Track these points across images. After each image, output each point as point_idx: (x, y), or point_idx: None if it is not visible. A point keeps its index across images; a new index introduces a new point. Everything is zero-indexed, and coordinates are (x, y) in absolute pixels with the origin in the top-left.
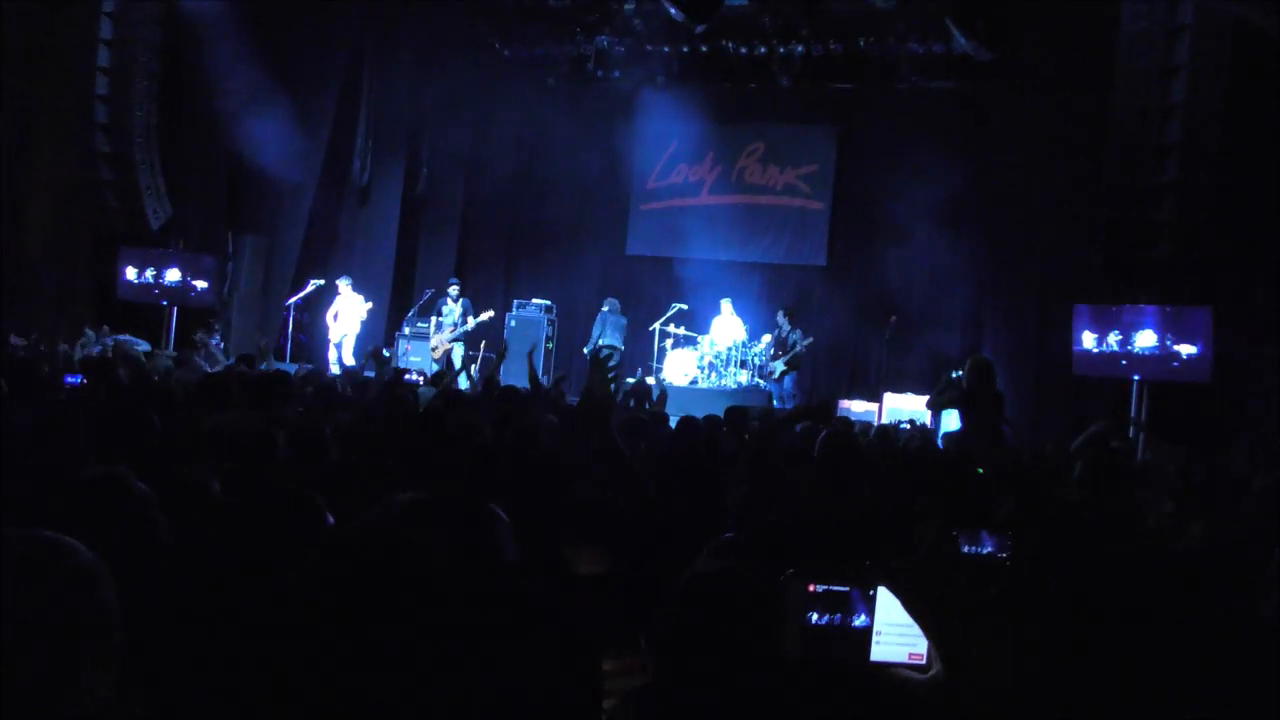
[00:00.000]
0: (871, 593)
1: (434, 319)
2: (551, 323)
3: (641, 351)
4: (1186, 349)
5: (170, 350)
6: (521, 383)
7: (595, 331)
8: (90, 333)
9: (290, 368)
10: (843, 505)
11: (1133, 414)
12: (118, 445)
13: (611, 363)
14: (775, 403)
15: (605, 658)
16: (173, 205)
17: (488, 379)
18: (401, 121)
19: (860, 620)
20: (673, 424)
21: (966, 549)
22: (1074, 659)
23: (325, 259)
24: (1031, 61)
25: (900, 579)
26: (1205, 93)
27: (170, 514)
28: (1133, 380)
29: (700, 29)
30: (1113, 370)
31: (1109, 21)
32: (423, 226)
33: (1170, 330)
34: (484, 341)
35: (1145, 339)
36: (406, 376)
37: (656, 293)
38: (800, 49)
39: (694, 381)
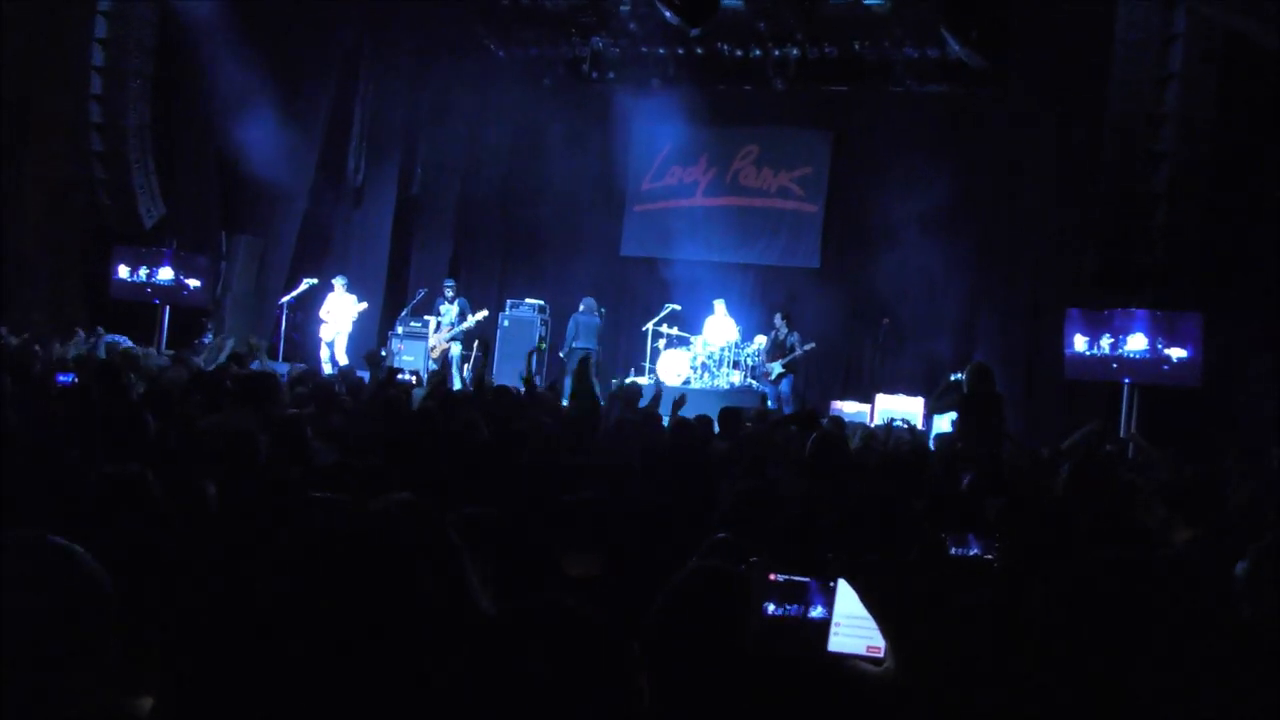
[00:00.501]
0: (831, 584)
1: (432, 319)
2: (545, 323)
3: (634, 352)
4: (1177, 353)
5: (164, 349)
6: (514, 383)
7: (569, 333)
8: (81, 332)
9: (283, 367)
10: (831, 507)
11: (1123, 416)
12: (116, 446)
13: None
14: (771, 404)
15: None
16: (166, 204)
17: (477, 379)
18: (396, 122)
19: (818, 612)
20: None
21: (954, 550)
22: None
23: (319, 259)
24: (1025, 68)
25: (860, 572)
26: (1197, 101)
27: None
28: (1124, 384)
29: (695, 32)
30: (1104, 373)
31: (1102, 29)
32: (417, 227)
33: (1161, 334)
34: (476, 341)
35: (1136, 342)
36: (399, 377)
37: (650, 293)
38: (795, 52)
39: (686, 382)
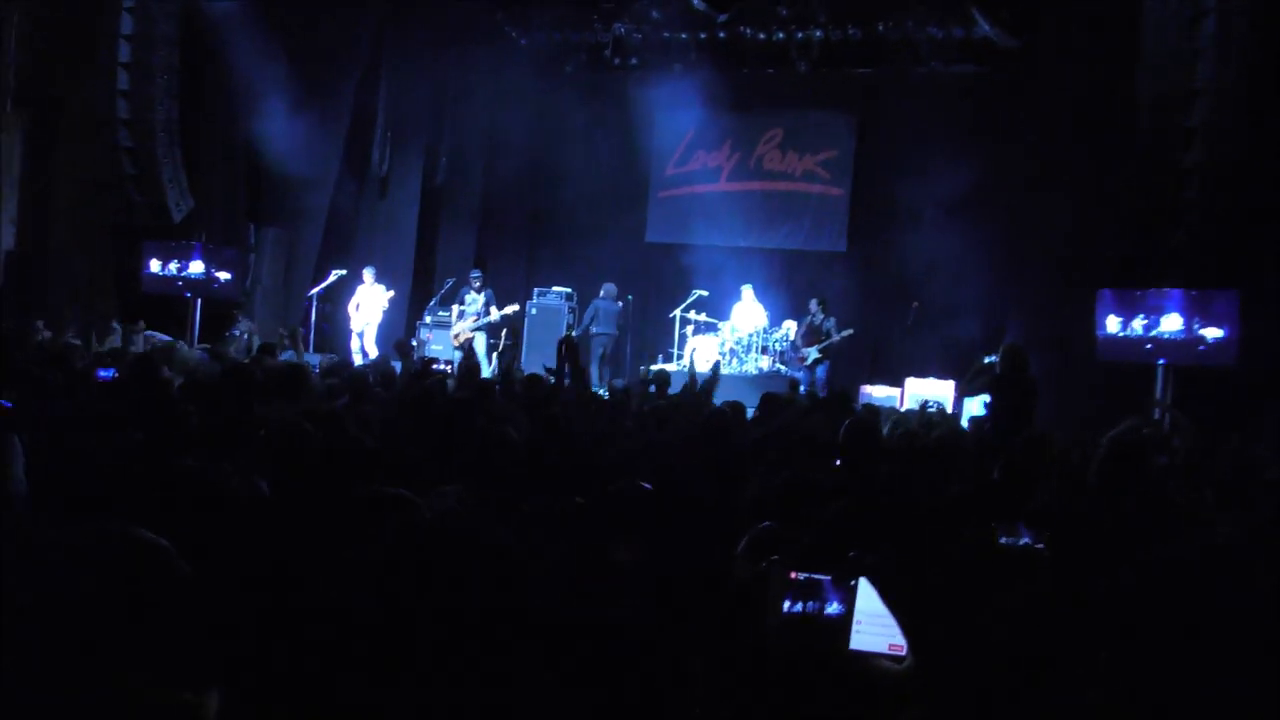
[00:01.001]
0: (852, 583)
1: (456, 307)
2: (572, 310)
3: (662, 338)
4: (1213, 332)
5: (196, 343)
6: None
7: (586, 318)
8: (118, 326)
9: (314, 358)
10: (870, 496)
11: (1158, 397)
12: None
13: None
14: (804, 389)
15: None
16: (194, 199)
17: (506, 369)
18: (419, 112)
19: (833, 609)
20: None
21: (1004, 540)
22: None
23: (346, 250)
24: (1053, 46)
25: (878, 571)
26: (1229, 75)
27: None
28: (1158, 365)
29: (723, 18)
30: (1138, 355)
31: (1132, 5)
32: (442, 216)
33: (1197, 314)
34: (504, 331)
35: (1171, 323)
36: (435, 367)
37: (676, 280)
38: (819, 34)
39: (715, 367)
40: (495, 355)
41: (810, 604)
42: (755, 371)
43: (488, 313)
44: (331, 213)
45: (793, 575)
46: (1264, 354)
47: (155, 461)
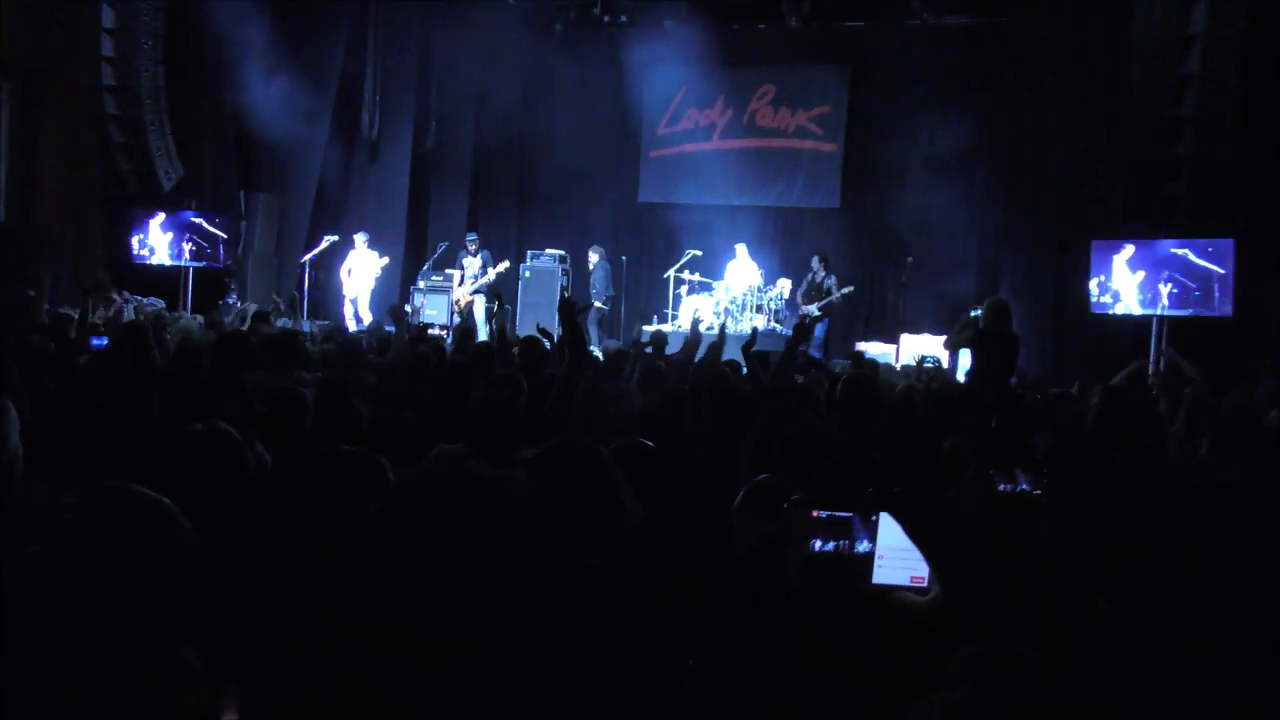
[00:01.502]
0: (874, 518)
1: (455, 273)
2: (566, 272)
3: (656, 298)
4: (1210, 279)
5: (190, 312)
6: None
7: (601, 283)
8: (118, 297)
9: (307, 325)
10: (869, 447)
11: (1152, 346)
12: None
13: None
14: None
15: None
16: (184, 166)
17: (499, 331)
18: (408, 75)
19: (863, 545)
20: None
21: (1003, 486)
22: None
23: (337, 216)
24: None
25: (901, 503)
26: (1226, 23)
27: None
28: (1154, 316)
29: None
30: (1133, 306)
31: None
32: (433, 179)
33: (1194, 262)
34: (499, 292)
35: (1168, 271)
36: (430, 332)
37: (669, 239)
38: None
39: (710, 328)
40: (493, 320)
41: (841, 542)
42: (750, 330)
43: (484, 274)
44: (322, 178)
45: (815, 514)
46: (1259, 301)
47: (159, 428)
